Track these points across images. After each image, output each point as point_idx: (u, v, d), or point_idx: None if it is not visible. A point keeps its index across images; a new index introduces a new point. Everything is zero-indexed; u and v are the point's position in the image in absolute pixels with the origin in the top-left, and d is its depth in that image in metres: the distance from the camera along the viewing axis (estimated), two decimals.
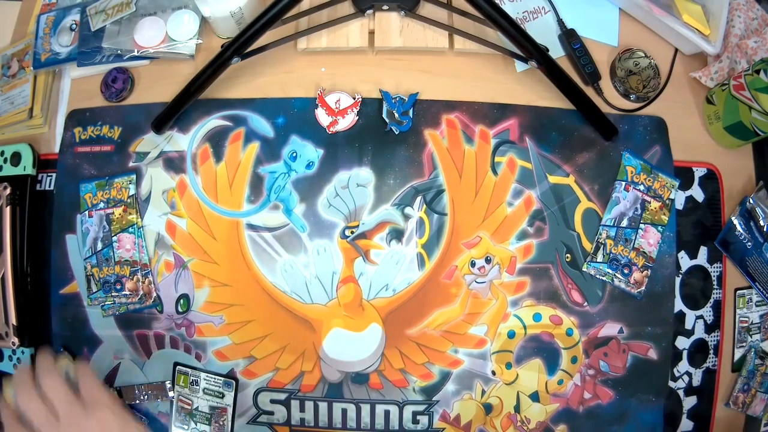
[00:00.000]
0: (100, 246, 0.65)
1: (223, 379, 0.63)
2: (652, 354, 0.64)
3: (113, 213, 0.65)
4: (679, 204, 0.66)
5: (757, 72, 0.60)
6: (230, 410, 0.63)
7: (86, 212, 0.66)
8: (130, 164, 0.67)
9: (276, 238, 0.64)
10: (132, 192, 0.66)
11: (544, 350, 0.64)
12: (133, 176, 0.66)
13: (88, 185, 0.66)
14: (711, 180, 0.68)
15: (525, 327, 0.64)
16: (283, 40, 0.65)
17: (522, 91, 0.67)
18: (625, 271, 0.64)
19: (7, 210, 0.65)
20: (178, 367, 0.64)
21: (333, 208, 0.65)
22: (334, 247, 0.64)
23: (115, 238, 0.65)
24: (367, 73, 0.68)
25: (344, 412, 0.64)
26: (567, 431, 0.64)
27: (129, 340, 0.65)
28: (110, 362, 0.65)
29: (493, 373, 0.63)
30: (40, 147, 0.70)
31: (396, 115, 0.65)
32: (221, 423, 0.63)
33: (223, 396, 0.63)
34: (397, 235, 0.64)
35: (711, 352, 0.66)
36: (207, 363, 0.64)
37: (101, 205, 0.66)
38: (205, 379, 0.63)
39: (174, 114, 0.65)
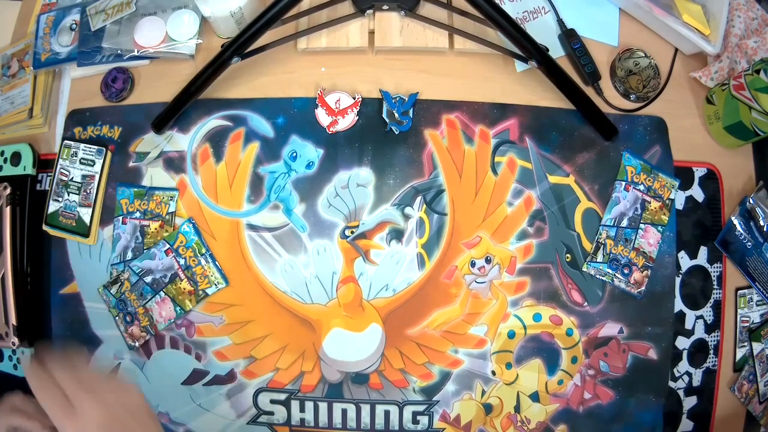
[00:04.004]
0: (129, 255, 0.64)
1: (96, 147, 0.64)
2: (652, 354, 0.64)
3: (149, 226, 0.64)
4: (679, 204, 0.66)
5: (757, 72, 0.60)
6: (97, 177, 0.64)
7: (120, 218, 0.65)
8: (130, 164, 0.67)
9: (276, 238, 0.64)
10: (172, 209, 0.64)
11: (544, 350, 0.64)
12: (176, 193, 0.65)
13: (126, 190, 0.65)
14: (711, 180, 0.68)
15: (525, 327, 0.64)
16: (283, 40, 0.65)
17: (522, 91, 0.67)
18: (625, 271, 0.64)
19: (7, 210, 0.65)
20: (65, 141, 0.66)
21: (333, 208, 0.65)
22: (334, 247, 0.64)
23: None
24: (367, 73, 0.68)
25: (344, 412, 0.64)
26: (567, 431, 0.64)
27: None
28: (110, 362, 0.65)
29: (493, 373, 0.63)
30: (40, 147, 0.70)
31: (396, 115, 0.65)
32: (88, 191, 0.63)
33: (93, 164, 0.64)
34: (397, 235, 0.64)
35: (711, 352, 0.66)
36: (207, 363, 0.64)
37: (137, 214, 0.65)
38: (83, 150, 0.64)
39: (174, 114, 0.65)
